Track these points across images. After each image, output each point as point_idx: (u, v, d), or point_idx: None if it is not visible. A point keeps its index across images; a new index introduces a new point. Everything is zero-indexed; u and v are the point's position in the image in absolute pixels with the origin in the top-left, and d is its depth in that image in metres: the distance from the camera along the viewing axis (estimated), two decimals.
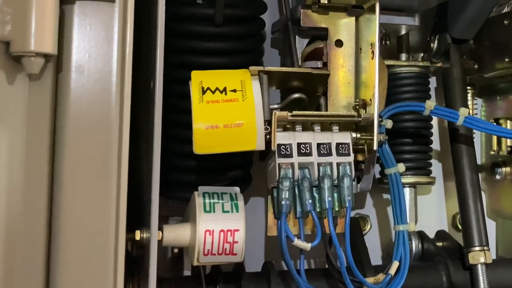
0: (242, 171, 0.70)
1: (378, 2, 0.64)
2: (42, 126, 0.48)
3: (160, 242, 0.57)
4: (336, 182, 0.63)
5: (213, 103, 0.58)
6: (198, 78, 0.59)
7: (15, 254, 0.47)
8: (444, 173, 0.88)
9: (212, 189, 0.60)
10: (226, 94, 0.58)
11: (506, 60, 0.77)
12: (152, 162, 0.54)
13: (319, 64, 0.69)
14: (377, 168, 0.76)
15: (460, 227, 0.81)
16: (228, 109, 0.58)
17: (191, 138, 0.58)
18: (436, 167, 0.86)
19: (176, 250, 0.65)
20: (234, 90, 0.59)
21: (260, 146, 0.59)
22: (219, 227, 0.58)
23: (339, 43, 0.68)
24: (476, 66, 0.82)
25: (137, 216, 0.59)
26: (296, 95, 0.65)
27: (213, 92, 0.58)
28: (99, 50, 0.50)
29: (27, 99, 0.47)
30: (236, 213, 0.59)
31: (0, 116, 0.46)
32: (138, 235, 0.57)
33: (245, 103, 0.58)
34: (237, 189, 0.61)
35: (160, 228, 0.58)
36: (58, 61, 0.49)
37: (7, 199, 0.47)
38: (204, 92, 0.58)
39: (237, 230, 0.58)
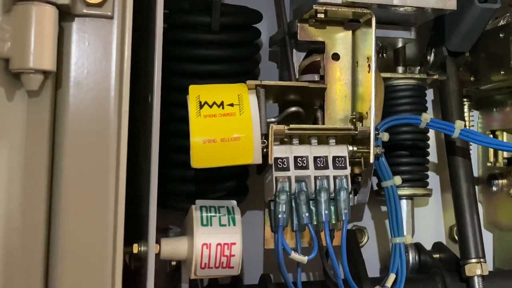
0: (238, 182, 0.70)
1: (374, 16, 0.65)
2: (41, 142, 0.48)
3: (157, 255, 0.58)
4: (333, 195, 0.63)
5: (210, 117, 0.58)
6: (196, 93, 0.60)
7: (13, 268, 0.47)
8: (441, 185, 0.88)
9: (209, 203, 0.61)
10: (223, 108, 0.59)
11: (501, 72, 0.78)
12: (150, 175, 0.54)
13: (316, 77, 0.69)
14: (374, 180, 0.76)
15: (457, 238, 0.81)
16: (226, 123, 0.58)
17: (188, 148, 0.58)
18: (433, 179, 0.86)
19: (173, 263, 0.65)
20: (231, 104, 0.59)
21: (257, 160, 0.59)
22: (216, 240, 0.58)
23: (336, 57, 0.69)
24: (472, 78, 0.83)
25: (135, 229, 0.59)
26: (293, 109, 0.66)
27: (211, 106, 0.59)
28: (97, 66, 0.50)
29: (26, 115, 0.48)
30: (233, 227, 0.59)
31: None
32: (136, 248, 0.57)
33: (242, 117, 0.59)
34: (234, 202, 0.62)
35: (158, 241, 0.59)
36: (57, 77, 0.49)
37: (5, 213, 0.47)
38: (201, 106, 0.59)
39: (234, 244, 0.58)
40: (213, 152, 0.58)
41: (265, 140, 0.60)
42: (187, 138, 0.58)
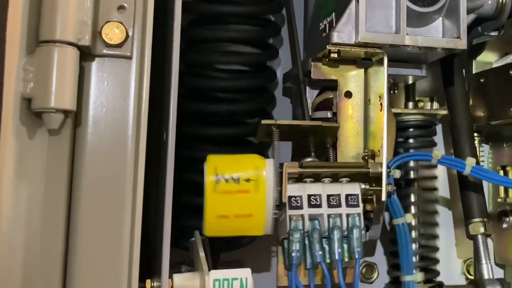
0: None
1: (386, 56, 0.66)
2: (60, 179, 0.49)
3: None
4: (345, 233, 0.63)
5: (226, 193, 0.59)
6: (213, 163, 0.60)
7: None
8: (454, 220, 0.88)
9: (223, 275, 0.60)
10: (239, 183, 0.59)
11: (511, 109, 0.78)
12: (164, 213, 0.55)
13: (329, 114, 0.70)
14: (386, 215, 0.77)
15: (471, 273, 0.81)
16: (240, 200, 0.59)
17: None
18: (446, 214, 0.86)
19: None
20: (248, 180, 0.60)
21: (268, 231, 0.60)
22: None
23: (348, 94, 0.70)
24: (482, 114, 0.83)
25: (148, 265, 0.59)
26: (309, 159, 0.66)
27: (227, 181, 0.59)
28: (115, 105, 0.51)
29: (46, 152, 0.49)
30: None
31: (20, 169, 0.48)
32: (148, 284, 0.57)
33: (257, 195, 0.59)
34: (248, 273, 0.61)
35: (170, 277, 0.59)
36: (76, 116, 0.50)
37: (25, 250, 0.48)
38: (218, 180, 0.59)
39: None
40: (225, 225, 0.59)
41: (276, 211, 0.61)
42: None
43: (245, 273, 0.61)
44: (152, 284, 0.57)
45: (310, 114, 0.71)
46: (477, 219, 0.77)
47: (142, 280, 0.57)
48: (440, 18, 0.68)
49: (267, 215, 0.59)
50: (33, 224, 0.48)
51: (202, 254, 0.60)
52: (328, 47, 0.65)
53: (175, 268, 0.73)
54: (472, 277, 0.82)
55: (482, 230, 0.76)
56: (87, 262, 0.50)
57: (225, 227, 0.59)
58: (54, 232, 0.49)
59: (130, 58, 0.52)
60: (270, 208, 0.60)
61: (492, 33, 0.77)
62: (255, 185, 0.59)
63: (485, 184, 0.88)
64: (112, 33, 0.51)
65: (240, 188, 0.59)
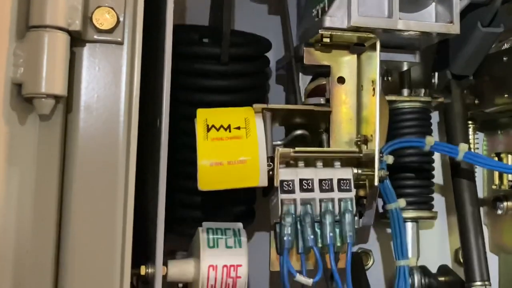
0: (246, 207, 0.71)
1: (378, 41, 0.66)
2: (51, 165, 0.49)
3: (164, 277, 0.58)
4: (338, 217, 0.64)
5: (217, 140, 0.59)
6: (203, 116, 0.61)
7: None
8: (447, 208, 0.88)
9: (216, 225, 0.61)
10: (230, 131, 0.60)
11: (505, 95, 0.78)
12: (158, 198, 0.55)
13: (322, 100, 0.70)
14: (380, 202, 0.77)
15: (462, 261, 0.81)
16: (232, 146, 0.59)
17: (196, 175, 0.59)
18: (439, 202, 0.86)
19: (181, 286, 0.66)
20: (238, 128, 0.60)
21: (263, 182, 0.60)
22: (222, 262, 0.59)
23: (341, 80, 0.70)
24: (476, 101, 0.83)
25: (143, 251, 0.60)
26: (299, 132, 0.66)
27: (218, 130, 0.60)
28: (107, 91, 0.51)
29: (38, 138, 0.49)
30: (239, 249, 0.60)
31: (11, 154, 0.48)
32: (143, 270, 0.58)
33: (248, 140, 0.60)
34: (240, 225, 0.63)
35: (165, 264, 0.59)
36: (67, 102, 0.50)
37: (16, 236, 0.48)
38: (209, 129, 0.60)
39: (240, 266, 0.59)
40: (220, 175, 0.59)
41: (271, 163, 0.61)
42: (194, 165, 0.59)
43: (237, 225, 0.62)
44: (147, 270, 0.58)
45: (303, 100, 0.71)
46: (478, 283, 0.75)
47: (137, 266, 0.57)
48: (433, 3, 0.68)
49: (261, 162, 0.59)
50: (24, 210, 0.48)
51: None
52: (320, 31, 0.65)
53: (171, 255, 0.73)
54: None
55: None
56: (79, 248, 0.50)
57: (219, 178, 0.59)
58: (46, 218, 0.49)
59: (121, 43, 0.52)
60: (264, 155, 0.59)
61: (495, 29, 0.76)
62: (246, 132, 0.59)
63: (480, 171, 0.89)
64: (103, 18, 0.51)
65: (231, 135, 0.59)
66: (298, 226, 0.63)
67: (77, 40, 0.50)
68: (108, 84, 0.51)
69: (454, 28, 0.68)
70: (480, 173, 0.89)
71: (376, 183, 0.64)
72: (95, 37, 0.51)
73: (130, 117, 0.51)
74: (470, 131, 0.86)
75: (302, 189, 0.63)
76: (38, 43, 0.47)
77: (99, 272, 0.50)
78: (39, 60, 0.47)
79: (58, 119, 0.50)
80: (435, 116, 0.88)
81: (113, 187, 0.51)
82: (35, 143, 0.49)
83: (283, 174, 0.63)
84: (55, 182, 0.49)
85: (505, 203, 0.85)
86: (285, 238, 0.61)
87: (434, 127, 0.86)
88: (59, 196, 0.50)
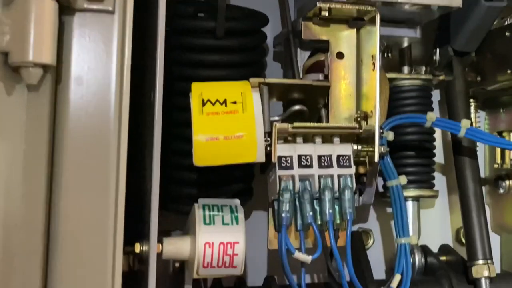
0: (243, 184, 0.69)
1: (378, 14, 0.64)
2: (41, 136, 0.48)
3: (160, 255, 0.57)
4: (337, 194, 0.62)
5: (213, 114, 0.58)
6: (199, 90, 0.59)
7: (12, 266, 0.46)
8: (448, 187, 0.87)
9: (212, 201, 0.60)
10: (226, 105, 0.58)
11: (508, 72, 0.77)
12: (152, 175, 0.54)
13: (321, 76, 0.69)
14: (380, 182, 0.75)
15: (464, 241, 0.80)
16: (228, 120, 0.58)
17: (191, 151, 0.57)
18: (440, 181, 0.85)
19: (177, 264, 0.65)
20: (234, 102, 0.58)
21: (260, 158, 0.58)
22: (218, 239, 0.57)
23: (340, 55, 0.68)
24: (478, 79, 0.82)
25: (138, 229, 0.58)
26: (297, 107, 0.65)
27: (213, 104, 0.58)
28: (98, 62, 0.50)
29: (26, 109, 0.47)
30: (236, 226, 0.58)
31: None
32: (137, 247, 0.57)
33: (245, 114, 0.58)
34: (237, 201, 0.61)
35: (160, 241, 0.58)
36: (57, 72, 0.49)
37: (5, 210, 0.46)
38: (204, 104, 0.58)
39: (237, 243, 0.57)
40: (215, 150, 0.57)
41: (268, 138, 0.60)
42: (190, 141, 0.57)
43: (234, 201, 0.60)
44: (141, 247, 0.56)
45: (302, 77, 0.70)
46: (480, 261, 0.73)
47: (131, 243, 0.56)
48: None
49: (258, 137, 0.57)
50: (13, 182, 0.47)
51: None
52: (318, 4, 0.63)
53: (167, 235, 0.72)
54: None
55: (486, 273, 0.72)
56: (70, 222, 0.48)
57: (215, 153, 0.57)
58: (35, 191, 0.47)
59: (112, 12, 0.50)
60: (261, 130, 0.58)
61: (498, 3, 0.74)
62: (242, 106, 0.58)
63: (481, 150, 0.87)
64: None
65: (227, 109, 0.57)
66: (297, 203, 0.61)
67: (66, 8, 0.49)
68: (99, 55, 0.50)
69: (456, 1, 0.66)
70: (482, 152, 0.87)
71: (376, 159, 0.63)
72: (85, 5, 0.49)
73: (122, 88, 0.50)
74: (472, 109, 0.85)
75: (301, 165, 0.61)
76: (24, 10, 0.45)
77: (90, 248, 0.49)
78: (26, 27, 0.45)
79: (47, 90, 0.48)
80: (436, 95, 0.86)
81: (105, 160, 0.49)
82: (23, 113, 0.47)
83: (281, 150, 0.61)
84: (44, 154, 0.48)
85: (507, 182, 0.84)
86: (283, 215, 0.60)
87: (435, 106, 0.84)
88: (49, 168, 0.48)
